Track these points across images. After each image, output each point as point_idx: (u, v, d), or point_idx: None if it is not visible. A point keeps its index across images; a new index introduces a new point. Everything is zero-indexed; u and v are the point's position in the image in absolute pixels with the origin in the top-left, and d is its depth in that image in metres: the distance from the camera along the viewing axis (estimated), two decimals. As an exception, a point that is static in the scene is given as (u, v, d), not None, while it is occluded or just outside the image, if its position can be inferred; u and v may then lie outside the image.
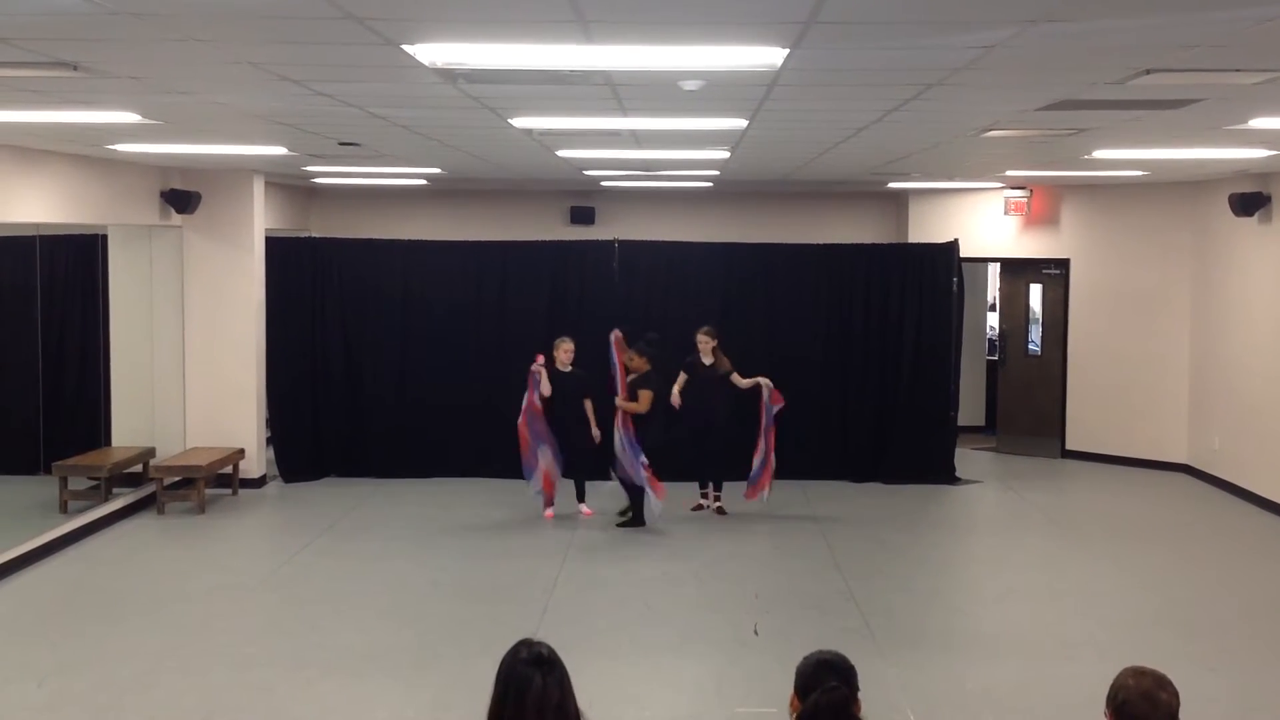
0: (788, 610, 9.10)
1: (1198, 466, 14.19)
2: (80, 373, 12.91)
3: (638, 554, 10.75)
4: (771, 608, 9.13)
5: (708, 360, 11.94)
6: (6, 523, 10.77)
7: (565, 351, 11.78)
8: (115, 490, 11.92)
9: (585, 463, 12.08)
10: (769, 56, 5.29)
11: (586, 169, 12.35)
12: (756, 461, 11.87)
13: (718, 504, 12.24)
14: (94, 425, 12.63)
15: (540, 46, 5.12)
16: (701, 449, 12.05)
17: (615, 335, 11.62)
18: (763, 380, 11.80)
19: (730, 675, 7.73)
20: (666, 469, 12.22)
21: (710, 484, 12.28)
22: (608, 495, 12.26)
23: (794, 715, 3.40)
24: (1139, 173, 12.74)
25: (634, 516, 11.66)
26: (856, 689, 3.41)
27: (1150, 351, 14.71)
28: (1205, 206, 14.01)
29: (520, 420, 11.60)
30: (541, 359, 11.59)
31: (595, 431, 11.79)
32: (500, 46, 5.15)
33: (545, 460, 11.68)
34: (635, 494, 11.57)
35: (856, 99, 6.94)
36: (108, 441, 12.60)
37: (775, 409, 11.78)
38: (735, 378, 11.89)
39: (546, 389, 11.55)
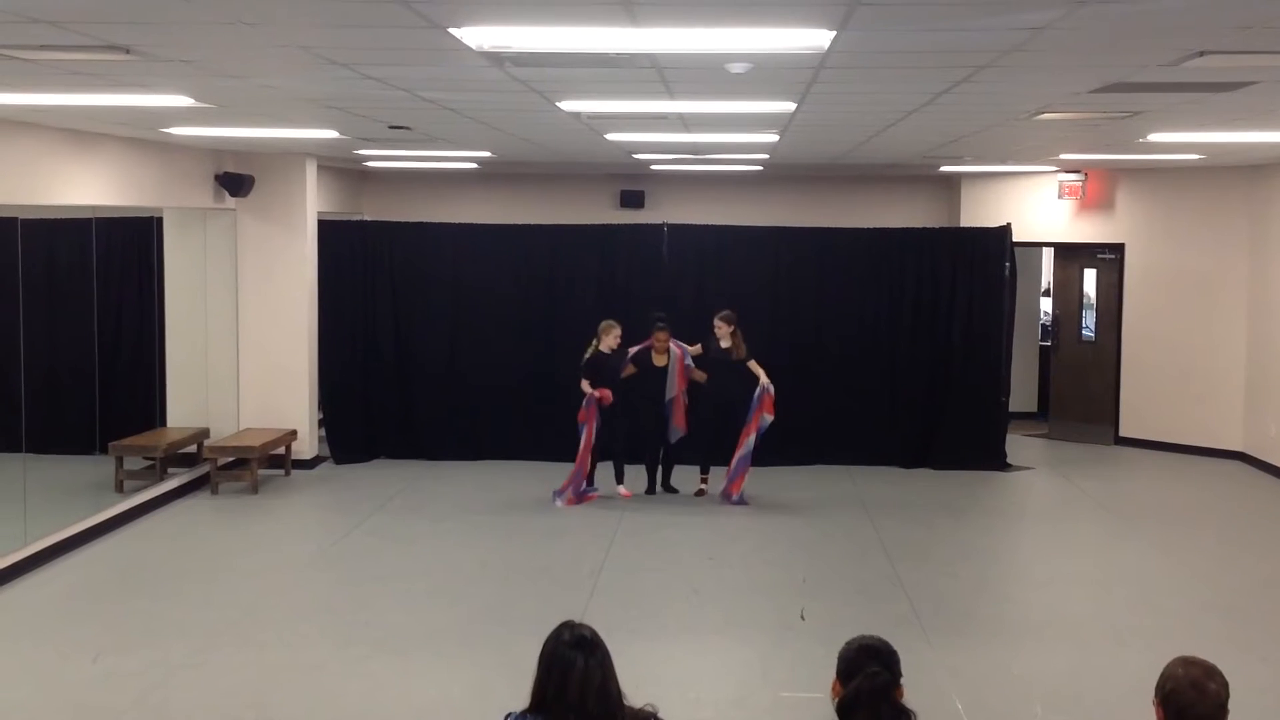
0: (835, 595, 9.08)
1: (1253, 454, 14.00)
2: (136, 354, 13.06)
3: (684, 537, 10.76)
4: (818, 593, 9.12)
5: (725, 344, 11.92)
6: (64, 501, 10.94)
7: (616, 337, 11.83)
8: (170, 470, 12.08)
9: (623, 445, 12.17)
10: (816, 38, 5.26)
11: (636, 152, 12.34)
12: (737, 456, 11.81)
13: (701, 484, 12.29)
14: (149, 406, 12.79)
15: (586, 29, 5.13)
16: (715, 433, 12.06)
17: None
18: (764, 381, 11.69)
19: (776, 659, 7.73)
20: (679, 453, 12.32)
21: (710, 467, 12.31)
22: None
23: (835, 700, 3.39)
24: (1195, 156, 12.56)
25: (650, 484, 12.31)
26: (899, 674, 3.40)
27: (1206, 337, 14.52)
28: (1263, 190, 13.79)
29: (581, 452, 11.77)
30: (605, 395, 11.72)
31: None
32: (546, 29, 5.16)
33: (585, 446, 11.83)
34: (651, 466, 12.32)
35: (906, 81, 6.89)
36: (163, 422, 12.76)
37: (767, 419, 11.66)
38: (753, 365, 11.83)
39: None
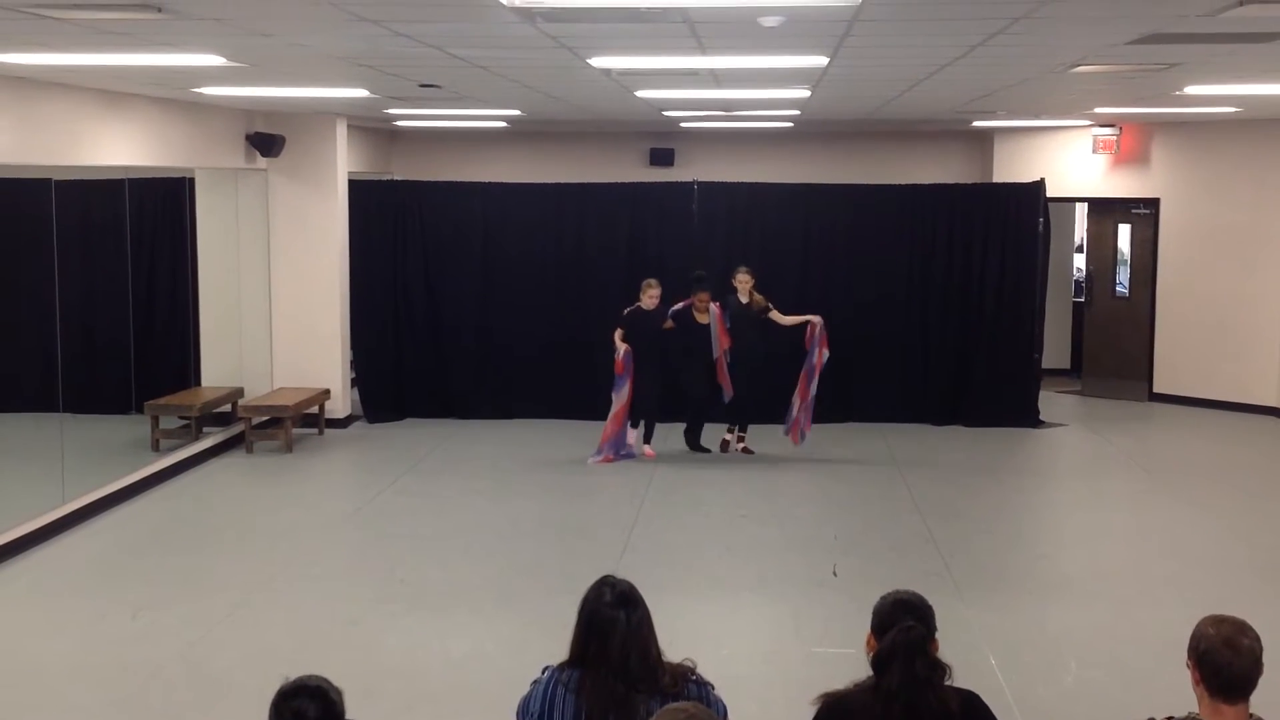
0: (867, 552, 9.09)
1: (1289, 410, 13.91)
2: (170, 314, 13.15)
3: (716, 495, 10.78)
4: (850, 549, 9.13)
5: (745, 299, 11.91)
6: (101, 460, 11.06)
7: (653, 296, 11.79)
8: (205, 429, 12.18)
9: (655, 405, 12.13)
10: (850, -9, 5.21)
11: (666, 109, 12.28)
12: (797, 401, 11.87)
13: (742, 445, 12.26)
14: (184, 366, 12.88)
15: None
16: (745, 391, 12.04)
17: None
18: (815, 319, 11.78)
19: (808, 615, 7.75)
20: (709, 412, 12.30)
21: (738, 425, 12.31)
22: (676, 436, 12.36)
23: (870, 654, 3.40)
24: (1232, 109, 12.40)
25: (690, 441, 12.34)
26: (934, 629, 3.41)
27: (1242, 293, 14.38)
28: (1302, 144, 13.62)
29: (619, 408, 11.76)
30: (626, 348, 11.66)
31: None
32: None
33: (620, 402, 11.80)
34: (692, 422, 12.34)
35: (941, 34, 6.82)
36: (197, 382, 12.85)
37: (826, 355, 11.76)
38: (775, 315, 11.87)
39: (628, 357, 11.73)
